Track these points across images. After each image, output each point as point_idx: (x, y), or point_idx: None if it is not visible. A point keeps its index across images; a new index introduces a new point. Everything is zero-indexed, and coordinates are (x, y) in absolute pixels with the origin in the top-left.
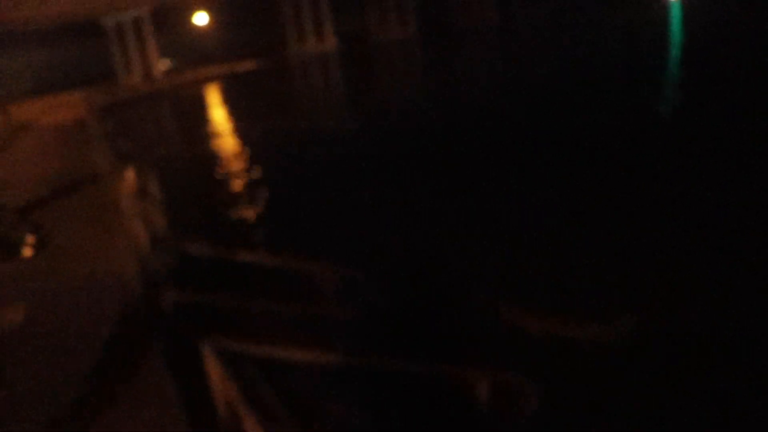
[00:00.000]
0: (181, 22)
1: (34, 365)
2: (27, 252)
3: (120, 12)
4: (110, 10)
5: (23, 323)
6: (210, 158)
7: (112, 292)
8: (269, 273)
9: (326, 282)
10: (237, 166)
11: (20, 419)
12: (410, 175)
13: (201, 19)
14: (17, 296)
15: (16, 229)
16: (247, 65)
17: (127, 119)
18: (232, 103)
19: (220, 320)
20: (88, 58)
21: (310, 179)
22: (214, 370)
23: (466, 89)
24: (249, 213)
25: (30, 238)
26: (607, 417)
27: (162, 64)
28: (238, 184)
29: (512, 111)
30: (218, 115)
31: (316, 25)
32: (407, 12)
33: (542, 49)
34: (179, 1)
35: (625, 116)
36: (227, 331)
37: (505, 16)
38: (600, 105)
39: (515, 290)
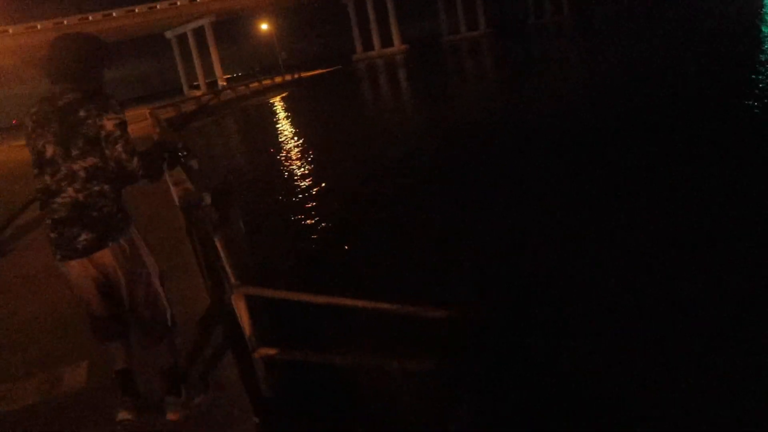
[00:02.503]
0: (245, 32)
1: None
2: None
3: (182, 24)
4: (172, 23)
5: None
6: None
7: None
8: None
9: None
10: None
11: None
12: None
13: (265, 27)
14: None
15: None
16: (315, 71)
17: (198, 132)
18: (303, 112)
19: None
20: (157, 72)
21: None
22: None
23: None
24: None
25: None
26: None
27: (226, 75)
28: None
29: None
30: (287, 124)
31: (382, 30)
32: (477, 12)
33: (613, 46)
34: (242, 11)
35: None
36: None
37: (575, 13)
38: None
39: None
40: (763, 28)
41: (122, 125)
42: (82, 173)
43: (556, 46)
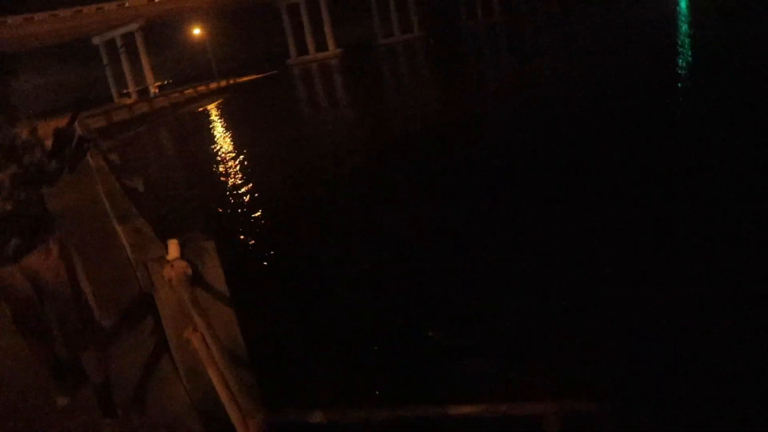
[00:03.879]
0: (177, 37)
1: None
2: None
3: (111, 30)
4: (100, 28)
5: None
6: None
7: None
8: None
9: None
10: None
11: None
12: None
13: (198, 33)
14: None
15: None
16: (250, 77)
17: (131, 142)
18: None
19: None
20: (84, 80)
21: None
22: None
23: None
24: None
25: None
26: None
27: (158, 82)
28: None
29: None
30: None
31: (317, 34)
32: (411, 16)
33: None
34: (173, 16)
35: None
36: None
37: (506, 15)
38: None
39: None
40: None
41: (35, 131)
42: (6, 182)
43: (485, 47)
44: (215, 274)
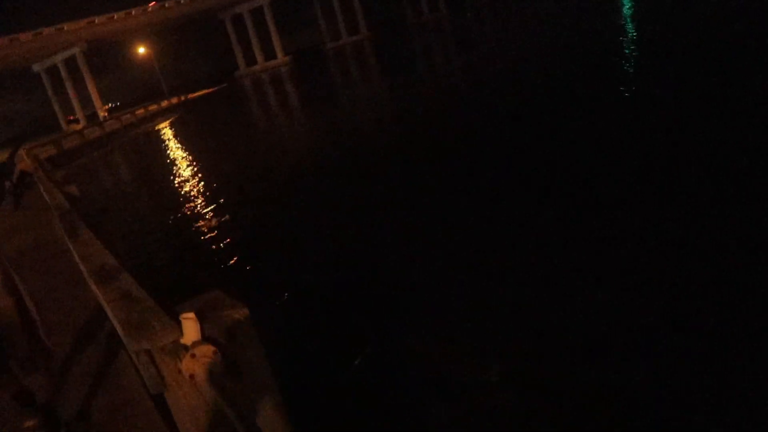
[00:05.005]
0: (123, 58)
1: None
2: None
3: (51, 56)
4: (41, 54)
5: None
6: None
7: None
8: None
9: None
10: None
11: None
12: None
13: (143, 51)
14: None
15: None
16: (200, 92)
17: (85, 169)
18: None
19: None
20: (27, 110)
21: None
22: None
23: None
24: None
25: None
26: None
27: (106, 105)
28: None
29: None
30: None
31: (264, 44)
32: (357, 17)
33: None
34: (115, 36)
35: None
36: None
37: (452, 9)
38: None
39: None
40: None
41: None
42: None
43: (431, 42)
44: (255, 356)
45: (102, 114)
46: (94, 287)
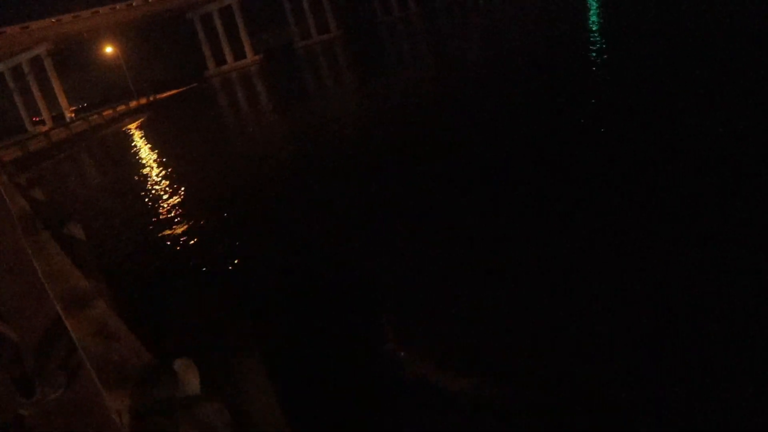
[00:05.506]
0: (90, 58)
1: None
2: None
3: (15, 55)
4: (4, 53)
5: None
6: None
7: None
8: None
9: None
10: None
11: None
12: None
13: (110, 51)
14: None
15: None
16: (169, 92)
17: (52, 172)
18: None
19: None
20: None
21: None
22: None
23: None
24: None
25: None
26: None
27: (73, 106)
28: None
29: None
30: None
31: (234, 43)
32: (327, 15)
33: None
34: (82, 35)
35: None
36: None
37: (421, 7)
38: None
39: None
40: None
41: None
42: None
43: (400, 40)
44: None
45: (69, 115)
46: (63, 317)
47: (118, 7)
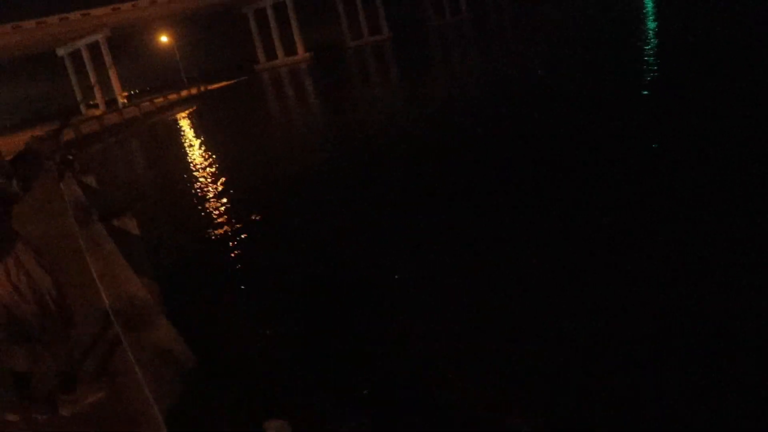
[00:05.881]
0: (144, 46)
1: None
2: None
3: (75, 40)
4: (65, 39)
5: None
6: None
7: None
8: None
9: None
10: None
11: None
12: None
13: (165, 40)
14: None
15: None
16: (220, 83)
17: (102, 155)
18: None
19: None
20: (50, 92)
21: None
22: None
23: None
24: None
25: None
26: None
27: (125, 92)
28: None
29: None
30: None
31: (285, 39)
32: (379, 17)
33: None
34: (139, 24)
35: None
36: None
37: (473, 12)
38: None
39: None
40: (649, 24)
41: None
42: None
43: (454, 46)
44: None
45: (121, 101)
46: (120, 333)
47: None
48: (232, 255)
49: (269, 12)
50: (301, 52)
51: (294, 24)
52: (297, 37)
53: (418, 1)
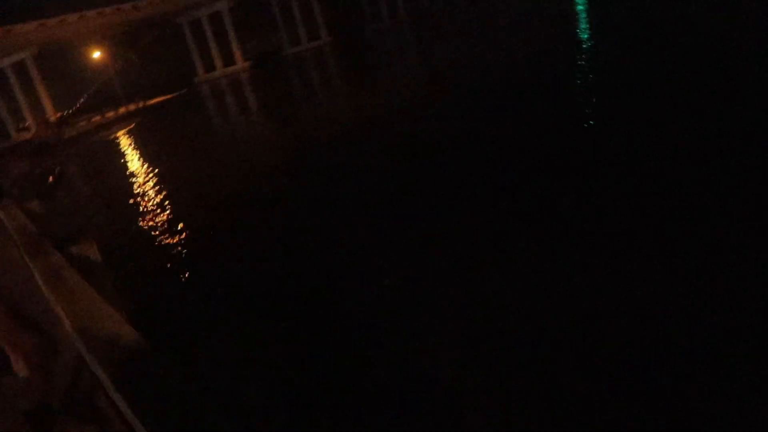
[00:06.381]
0: (77, 63)
1: None
2: None
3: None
4: None
5: None
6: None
7: None
8: None
9: None
10: None
11: None
12: None
13: (98, 56)
14: None
15: None
16: (159, 98)
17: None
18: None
19: None
20: None
21: None
22: None
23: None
24: None
25: None
26: None
27: (59, 112)
28: None
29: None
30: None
31: (223, 49)
32: (317, 23)
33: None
34: (69, 40)
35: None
36: None
37: (411, 16)
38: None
39: None
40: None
41: None
42: None
43: (389, 49)
44: None
45: (54, 121)
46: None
47: (106, 11)
48: (200, 275)
49: (205, 23)
50: (240, 62)
51: (231, 34)
52: (235, 47)
53: (357, 6)
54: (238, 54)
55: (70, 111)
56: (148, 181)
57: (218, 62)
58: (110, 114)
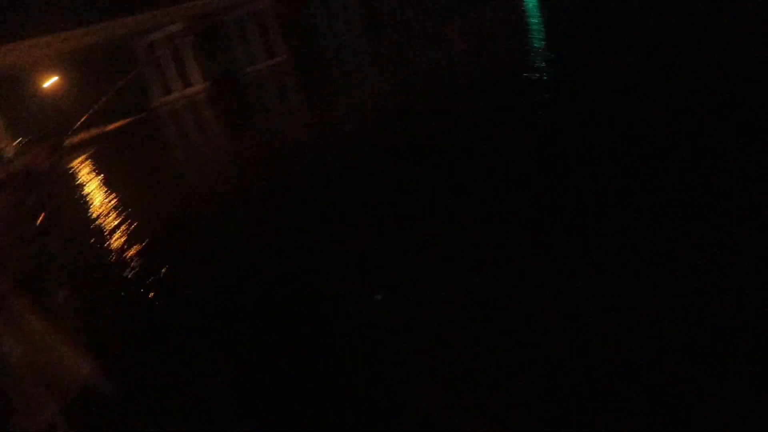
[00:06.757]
0: (32, 89)
1: None
2: None
3: None
4: None
5: None
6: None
7: None
8: None
9: None
10: None
11: None
12: None
13: (54, 82)
14: None
15: None
16: (116, 124)
17: None
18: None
19: None
20: None
21: None
22: None
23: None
24: None
25: None
26: None
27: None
28: None
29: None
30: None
31: (181, 72)
32: (276, 41)
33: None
34: (22, 66)
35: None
36: None
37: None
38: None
39: None
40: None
41: None
42: None
43: (349, 62)
44: None
45: (8, 152)
46: None
47: (63, 36)
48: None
49: (161, 45)
50: (198, 84)
51: (187, 55)
52: (192, 69)
53: (314, 24)
54: (195, 76)
55: (24, 140)
56: (106, 208)
57: (176, 85)
58: (67, 141)
